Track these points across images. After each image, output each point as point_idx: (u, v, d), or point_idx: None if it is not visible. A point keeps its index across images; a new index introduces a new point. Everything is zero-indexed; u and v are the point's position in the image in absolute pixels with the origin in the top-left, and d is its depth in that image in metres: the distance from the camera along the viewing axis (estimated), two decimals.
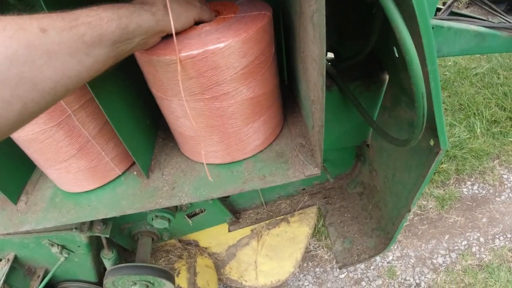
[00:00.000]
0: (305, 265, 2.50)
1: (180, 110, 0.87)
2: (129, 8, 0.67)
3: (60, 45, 0.55)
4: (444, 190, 2.68)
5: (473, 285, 2.21)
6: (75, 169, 1.02)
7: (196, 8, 0.82)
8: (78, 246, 1.48)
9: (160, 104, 0.94)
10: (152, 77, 0.84)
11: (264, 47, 0.83)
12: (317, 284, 2.40)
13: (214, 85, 0.80)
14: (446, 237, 2.46)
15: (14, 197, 1.13)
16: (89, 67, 0.60)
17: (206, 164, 1.02)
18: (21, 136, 0.93)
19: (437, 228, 2.51)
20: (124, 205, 1.01)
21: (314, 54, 0.72)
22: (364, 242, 1.40)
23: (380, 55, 1.07)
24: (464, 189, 2.68)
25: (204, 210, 1.62)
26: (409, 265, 2.37)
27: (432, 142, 0.87)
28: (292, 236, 1.80)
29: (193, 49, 0.74)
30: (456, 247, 2.40)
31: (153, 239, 1.72)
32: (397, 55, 0.90)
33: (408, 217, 1.13)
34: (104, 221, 1.39)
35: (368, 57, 1.05)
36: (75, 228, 1.34)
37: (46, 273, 1.64)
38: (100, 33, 0.60)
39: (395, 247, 2.45)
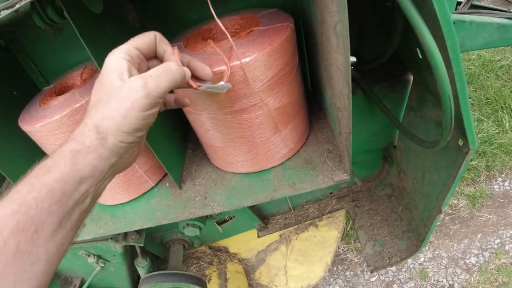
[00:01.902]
0: (335, 269, 2.48)
1: (210, 123, 0.89)
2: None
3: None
4: (474, 188, 2.61)
5: (507, 284, 2.15)
6: (110, 183, 1.06)
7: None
8: (114, 256, 1.53)
9: (190, 118, 0.97)
10: (182, 92, 0.87)
11: (288, 57, 0.85)
12: (348, 287, 2.38)
13: (242, 97, 0.82)
14: (479, 236, 2.40)
15: None
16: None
17: (236, 173, 1.05)
18: None
19: (469, 227, 2.45)
20: (159, 216, 1.04)
21: (339, 63, 0.73)
22: (395, 245, 1.39)
23: (403, 56, 1.07)
24: (495, 186, 2.61)
25: (233, 217, 1.65)
26: (441, 266, 2.32)
27: (461, 142, 0.87)
28: (321, 240, 1.80)
29: (220, 65, 0.76)
30: (489, 246, 2.34)
31: (184, 246, 1.76)
32: (420, 57, 0.90)
33: (439, 218, 1.12)
34: (138, 231, 1.43)
35: (390, 58, 1.05)
36: (111, 239, 1.39)
37: (82, 282, 1.70)
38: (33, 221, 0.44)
39: (427, 248, 2.41)
